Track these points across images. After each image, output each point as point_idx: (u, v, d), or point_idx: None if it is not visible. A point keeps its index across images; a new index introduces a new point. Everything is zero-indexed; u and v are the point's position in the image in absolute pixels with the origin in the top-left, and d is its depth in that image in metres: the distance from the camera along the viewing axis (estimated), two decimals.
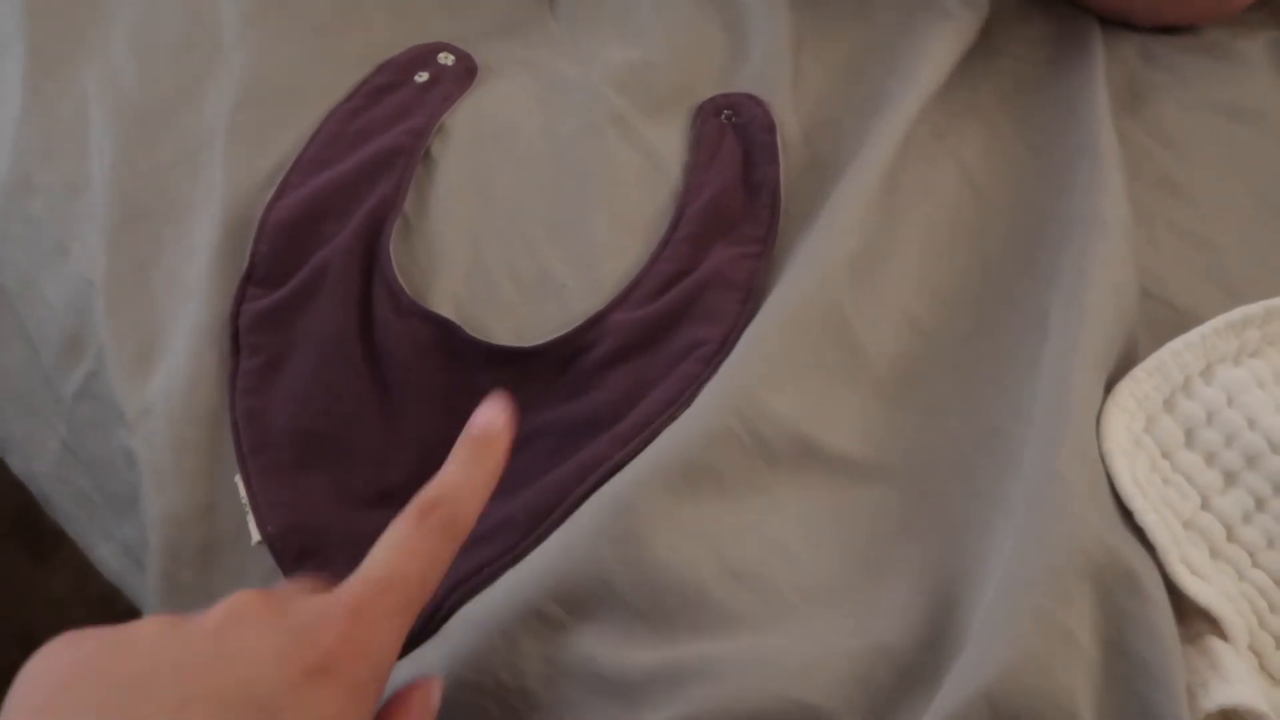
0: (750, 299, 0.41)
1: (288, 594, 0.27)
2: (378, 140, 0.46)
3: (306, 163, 0.45)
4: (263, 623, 0.25)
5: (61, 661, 0.25)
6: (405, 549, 0.28)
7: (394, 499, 0.38)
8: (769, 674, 0.32)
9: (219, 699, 0.24)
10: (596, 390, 0.40)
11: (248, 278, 0.42)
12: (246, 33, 0.48)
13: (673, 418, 0.38)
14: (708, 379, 0.38)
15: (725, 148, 0.47)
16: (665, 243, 0.43)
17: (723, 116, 0.48)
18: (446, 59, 0.50)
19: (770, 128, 0.47)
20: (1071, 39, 0.52)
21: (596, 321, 0.41)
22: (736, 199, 0.45)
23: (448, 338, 0.41)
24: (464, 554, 0.36)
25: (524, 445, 0.40)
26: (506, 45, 0.52)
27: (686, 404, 0.38)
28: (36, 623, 0.84)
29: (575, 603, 0.35)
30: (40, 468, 0.45)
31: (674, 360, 0.40)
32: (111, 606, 0.44)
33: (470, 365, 0.41)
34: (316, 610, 0.26)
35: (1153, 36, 0.54)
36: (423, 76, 0.49)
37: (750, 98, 0.48)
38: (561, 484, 0.37)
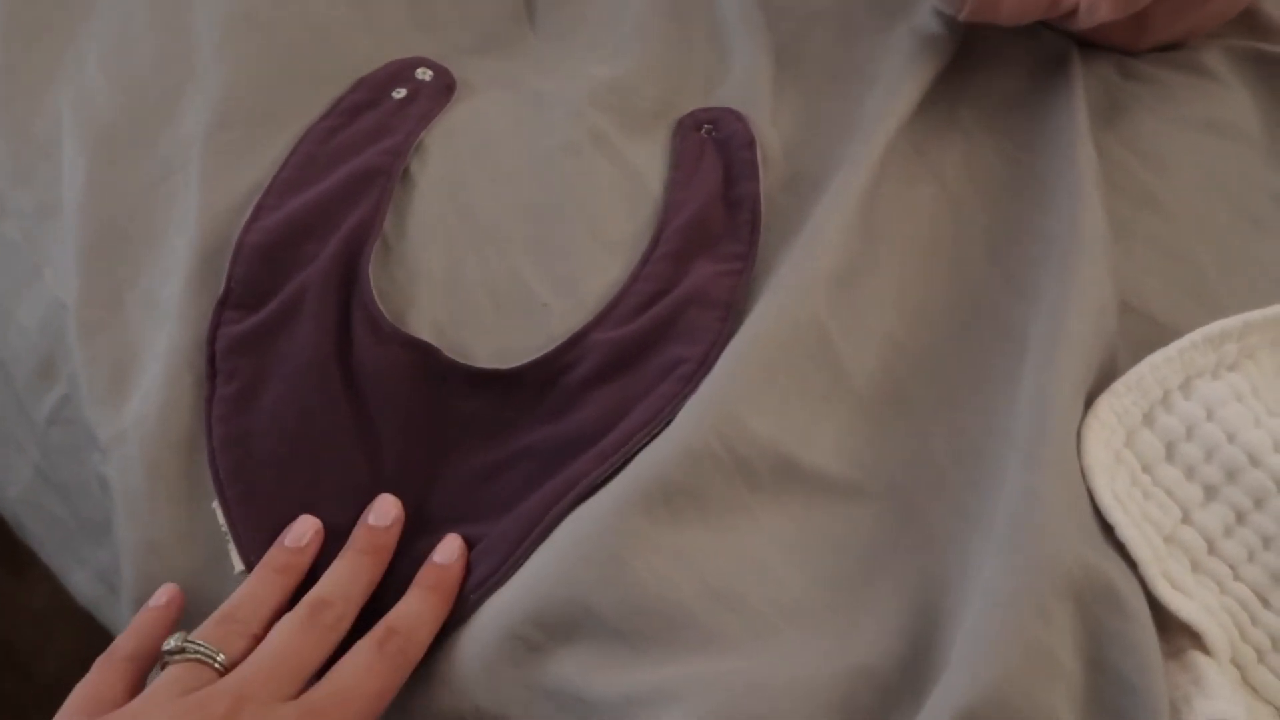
0: (730, 317, 0.41)
1: (252, 695, 0.31)
2: (355, 160, 0.45)
3: (283, 184, 0.44)
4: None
5: None
6: (365, 670, 0.33)
7: None
8: (750, 696, 0.32)
9: None
10: (578, 411, 0.39)
11: (224, 301, 0.42)
12: (221, 52, 0.48)
13: (652, 436, 0.37)
14: (687, 397, 0.38)
15: (705, 163, 0.47)
16: (645, 260, 0.43)
17: (703, 131, 0.48)
18: (424, 75, 0.49)
19: (750, 143, 0.47)
20: (1049, 54, 0.52)
21: (577, 341, 0.41)
22: (717, 215, 0.45)
23: (428, 362, 0.41)
24: None
25: (507, 468, 0.39)
26: (485, 62, 0.51)
27: (666, 422, 0.38)
28: (17, 637, 0.84)
29: (554, 626, 0.34)
30: (13, 493, 0.45)
31: (654, 379, 0.39)
32: (93, 620, 0.43)
33: (451, 389, 0.41)
34: (288, 713, 0.31)
35: None
36: (400, 93, 0.48)
37: (730, 112, 0.48)
38: (540, 505, 0.37)
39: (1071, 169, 0.45)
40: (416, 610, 0.35)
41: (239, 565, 0.38)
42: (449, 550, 0.37)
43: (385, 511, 0.37)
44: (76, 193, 0.44)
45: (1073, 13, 0.46)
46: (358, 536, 0.37)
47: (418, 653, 0.34)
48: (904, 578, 0.35)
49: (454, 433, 0.40)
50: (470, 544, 0.38)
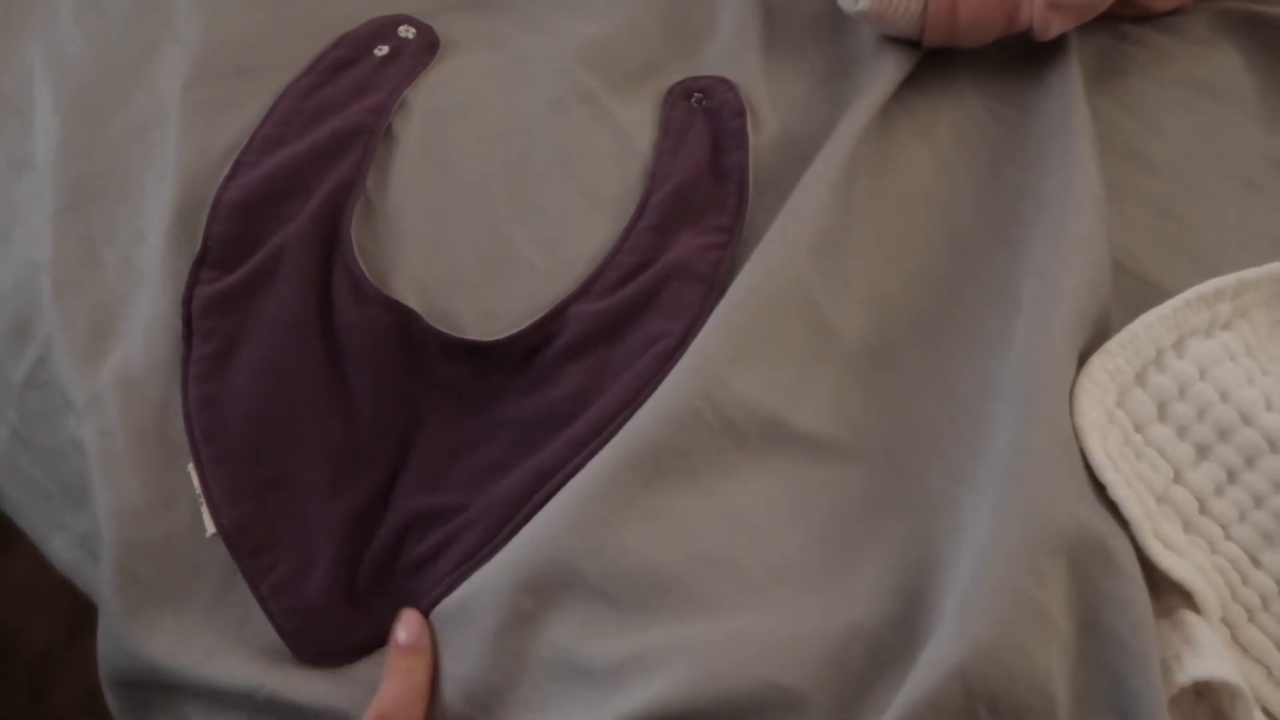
0: (714, 291, 0.40)
1: None
2: (337, 118, 0.44)
3: (261, 141, 0.44)
4: None
5: None
6: None
7: (349, 491, 0.38)
8: (741, 655, 0.32)
9: None
10: (555, 385, 0.39)
11: (201, 260, 0.41)
12: (199, 6, 0.46)
13: (629, 418, 0.37)
14: (665, 376, 0.38)
15: (694, 133, 0.46)
16: (629, 231, 0.42)
17: (693, 100, 0.47)
18: (407, 32, 0.48)
19: (740, 112, 0.46)
20: None
21: (557, 314, 0.40)
22: (703, 187, 0.44)
23: (408, 327, 0.40)
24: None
25: (482, 441, 0.39)
26: (470, 19, 0.50)
27: (643, 403, 0.37)
28: (1, 611, 0.83)
29: (545, 592, 0.34)
30: None
31: (633, 354, 0.39)
32: (77, 592, 0.42)
33: (429, 356, 0.40)
34: None
35: None
36: (383, 50, 0.47)
37: (721, 81, 0.47)
38: (518, 491, 0.37)
39: (1066, 129, 0.44)
40: (401, 693, 0.34)
41: (210, 528, 0.37)
42: (411, 629, 0.35)
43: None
44: (49, 150, 0.43)
45: (1029, 28, 0.47)
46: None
47: None
48: (896, 537, 0.35)
49: (431, 400, 0.40)
50: (440, 516, 0.38)
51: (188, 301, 0.40)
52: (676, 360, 0.38)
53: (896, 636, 0.33)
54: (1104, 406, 0.36)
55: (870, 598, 0.34)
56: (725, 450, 0.36)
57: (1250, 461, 0.35)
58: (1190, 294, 0.37)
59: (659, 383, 0.37)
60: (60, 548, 0.42)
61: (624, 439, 0.36)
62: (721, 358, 0.37)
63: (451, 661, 0.35)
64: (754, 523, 0.35)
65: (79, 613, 0.83)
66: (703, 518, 0.35)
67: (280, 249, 0.41)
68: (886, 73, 0.46)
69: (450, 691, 0.35)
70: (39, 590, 0.84)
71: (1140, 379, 0.36)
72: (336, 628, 0.35)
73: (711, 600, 0.34)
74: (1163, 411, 0.36)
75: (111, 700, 0.38)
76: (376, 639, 0.36)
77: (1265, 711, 0.32)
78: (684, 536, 0.35)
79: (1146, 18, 0.53)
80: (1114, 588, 0.31)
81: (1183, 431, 0.35)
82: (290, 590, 0.36)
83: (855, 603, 0.34)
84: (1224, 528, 0.34)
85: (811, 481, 0.37)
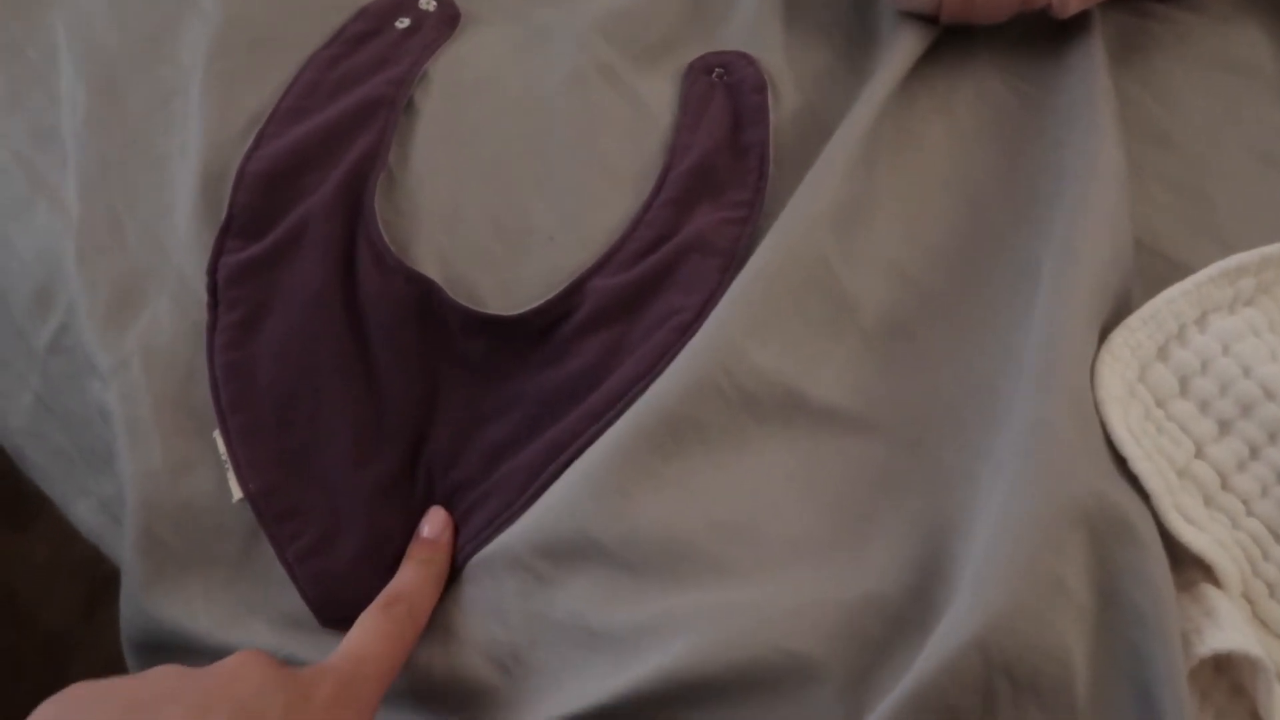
0: (733, 266, 0.40)
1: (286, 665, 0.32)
2: (359, 89, 0.44)
3: (284, 112, 0.44)
4: (271, 675, 0.31)
5: (69, 697, 0.29)
6: (375, 632, 0.34)
7: (373, 460, 0.38)
8: (757, 623, 0.32)
9: (236, 711, 0.29)
10: (573, 358, 0.39)
11: (226, 229, 0.41)
12: None
13: (645, 390, 0.37)
14: (682, 349, 0.38)
15: (714, 108, 0.46)
16: (648, 206, 0.42)
17: (714, 75, 0.47)
18: (428, 4, 0.48)
19: (761, 87, 0.46)
20: None
21: (576, 288, 0.40)
22: (723, 161, 0.44)
23: (429, 299, 0.40)
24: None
25: (500, 414, 0.39)
26: None
27: (659, 375, 0.37)
28: (20, 589, 0.84)
29: (562, 558, 0.34)
30: (15, 423, 0.45)
31: (651, 328, 0.39)
32: (95, 570, 0.43)
33: (449, 330, 0.40)
34: (313, 674, 0.32)
35: None
36: (404, 22, 0.47)
37: (742, 56, 0.47)
38: (535, 462, 0.37)
39: (1088, 106, 0.44)
40: (416, 578, 0.36)
41: (237, 493, 0.38)
42: (435, 524, 0.37)
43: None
44: (75, 120, 0.44)
45: (1047, 6, 0.46)
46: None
47: (422, 616, 0.35)
48: (913, 510, 0.35)
49: (452, 373, 0.40)
50: (460, 489, 0.38)
51: (213, 271, 0.40)
52: (693, 334, 0.38)
53: (913, 607, 0.33)
54: (1125, 381, 0.35)
55: (886, 568, 0.34)
56: (742, 421, 0.36)
57: (1273, 437, 0.34)
58: (1213, 269, 0.37)
59: (675, 355, 0.37)
60: (84, 512, 0.42)
61: (641, 410, 0.36)
62: (739, 329, 0.37)
63: (472, 624, 0.36)
64: (770, 493, 0.35)
65: (97, 590, 0.84)
66: (719, 488, 0.35)
67: (304, 220, 0.41)
68: (906, 47, 0.46)
69: (471, 652, 0.35)
70: (57, 567, 0.85)
71: (1162, 354, 0.36)
72: (363, 594, 0.35)
73: (727, 569, 0.34)
74: (1184, 386, 0.36)
75: (132, 665, 0.39)
76: None
77: None
78: (700, 506, 0.35)
79: None
80: (1134, 560, 0.31)
81: (1204, 406, 0.35)
82: (318, 556, 0.37)
83: (871, 573, 0.34)
84: (1245, 503, 0.34)
85: (828, 453, 0.37)
